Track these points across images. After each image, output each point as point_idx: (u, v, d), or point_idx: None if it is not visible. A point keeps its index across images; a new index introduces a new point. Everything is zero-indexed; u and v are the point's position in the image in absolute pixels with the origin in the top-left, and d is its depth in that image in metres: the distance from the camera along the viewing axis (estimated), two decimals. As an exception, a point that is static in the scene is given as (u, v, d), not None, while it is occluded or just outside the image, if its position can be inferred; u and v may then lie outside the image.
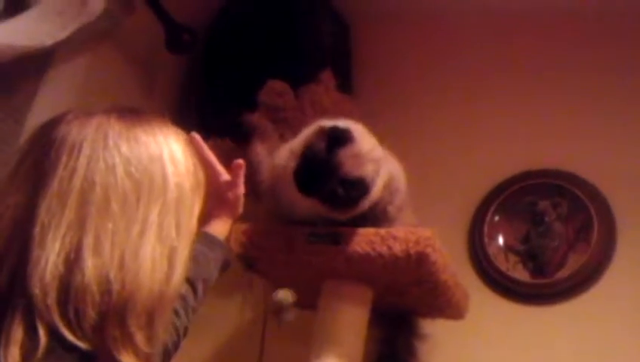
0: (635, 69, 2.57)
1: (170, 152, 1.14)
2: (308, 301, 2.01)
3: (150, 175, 1.10)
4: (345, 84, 2.57)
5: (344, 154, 1.78)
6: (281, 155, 1.94)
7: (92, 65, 2.35)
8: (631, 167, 2.48)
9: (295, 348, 2.18)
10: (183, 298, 1.50)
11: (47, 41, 2.04)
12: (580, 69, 2.65)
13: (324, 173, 1.78)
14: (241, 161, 1.64)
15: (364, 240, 1.91)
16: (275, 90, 2.36)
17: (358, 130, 1.86)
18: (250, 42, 2.60)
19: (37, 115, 2.26)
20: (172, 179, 1.12)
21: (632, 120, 2.53)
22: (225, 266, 1.67)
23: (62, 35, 2.06)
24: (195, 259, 1.56)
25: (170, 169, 1.13)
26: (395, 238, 1.90)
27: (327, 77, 2.48)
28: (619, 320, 2.33)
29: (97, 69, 2.37)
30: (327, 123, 1.85)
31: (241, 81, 2.51)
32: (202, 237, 1.62)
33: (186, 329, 1.51)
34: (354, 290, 2.05)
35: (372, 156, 1.84)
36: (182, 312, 1.49)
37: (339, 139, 1.79)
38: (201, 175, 1.22)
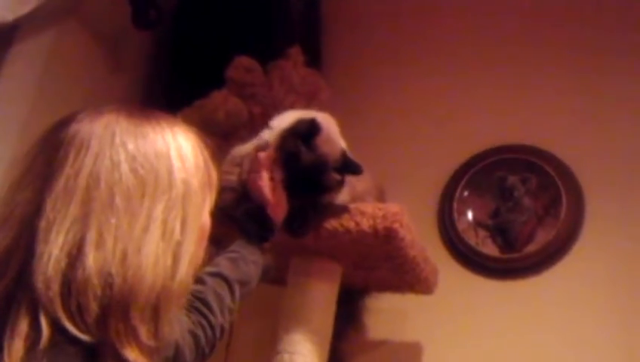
0: (607, 48, 2.58)
1: (177, 149, 1.14)
2: (276, 277, 2.00)
3: (156, 171, 1.10)
4: (314, 60, 2.55)
5: (323, 145, 1.77)
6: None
7: (57, 42, 2.33)
8: (600, 143, 2.49)
9: (264, 324, 2.18)
10: (219, 297, 1.54)
11: (8, 16, 2.01)
12: (552, 45, 2.66)
13: (315, 171, 1.77)
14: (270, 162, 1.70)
15: (332, 216, 1.90)
16: (243, 66, 2.34)
17: (313, 113, 1.86)
18: (218, 18, 2.57)
19: (1, 92, 2.24)
20: (178, 176, 1.12)
21: (602, 97, 2.55)
22: (266, 271, 1.69)
23: (23, 9, 2.03)
24: (234, 261, 1.60)
25: (177, 165, 1.12)
26: (362, 214, 1.90)
27: (295, 52, 2.46)
28: (586, 293, 2.35)
29: (62, 45, 2.35)
30: (287, 119, 1.83)
31: (208, 57, 2.48)
32: (244, 241, 1.66)
33: (222, 328, 1.53)
34: (323, 266, 2.05)
35: (336, 129, 1.84)
36: (216, 309, 1.51)
37: (310, 131, 1.77)
38: (213, 172, 1.21)
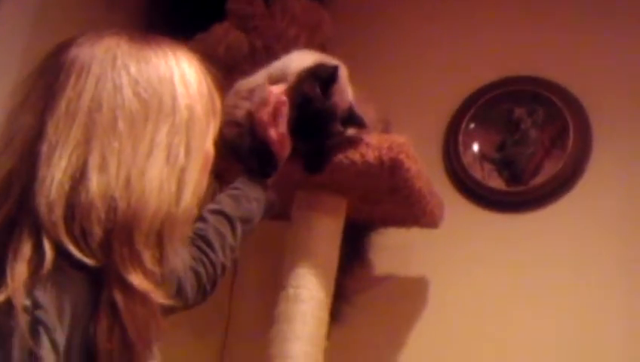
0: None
1: (181, 74, 1.13)
2: (280, 211, 1.98)
3: (159, 96, 1.09)
4: (316, -8, 2.50)
5: (336, 94, 1.74)
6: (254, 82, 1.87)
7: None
8: (608, 74, 2.45)
9: (268, 260, 2.18)
10: (220, 235, 1.54)
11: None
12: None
13: (324, 119, 1.74)
14: (284, 98, 1.66)
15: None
16: (245, -1, 2.29)
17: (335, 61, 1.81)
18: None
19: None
20: (182, 101, 1.11)
21: (609, 27, 2.49)
22: (269, 208, 1.68)
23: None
24: (236, 198, 1.59)
25: (180, 90, 1.11)
26: (368, 145, 1.88)
27: (297, -16, 2.42)
28: (593, 226, 2.34)
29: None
30: (307, 60, 1.78)
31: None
32: (246, 178, 1.65)
33: (223, 266, 1.53)
34: (327, 200, 2.04)
35: (347, 81, 1.81)
36: (217, 247, 1.52)
37: (330, 79, 1.72)
38: (217, 100, 1.20)
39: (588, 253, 2.31)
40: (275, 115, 1.68)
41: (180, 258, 1.44)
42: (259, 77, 1.83)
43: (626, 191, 2.33)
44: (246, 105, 1.79)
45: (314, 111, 1.70)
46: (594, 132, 2.42)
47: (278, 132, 1.67)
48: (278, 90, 1.70)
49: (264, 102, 1.69)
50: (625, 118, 2.39)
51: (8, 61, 2.13)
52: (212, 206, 1.57)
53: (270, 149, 1.67)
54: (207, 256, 1.50)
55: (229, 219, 1.56)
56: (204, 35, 2.26)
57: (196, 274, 1.47)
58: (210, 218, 1.55)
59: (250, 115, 1.74)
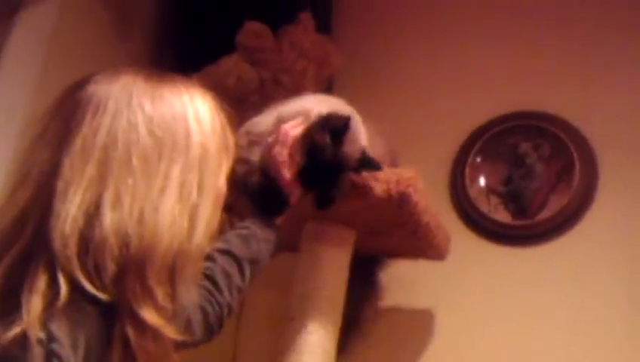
0: (618, 11, 2.54)
1: (195, 112, 1.15)
2: (289, 243, 1.99)
3: (173, 133, 1.11)
4: (324, 25, 2.53)
5: (348, 143, 1.70)
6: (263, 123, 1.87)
7: (65, 7, 2.30)
8: (613, 108, 2.46)
9: (276, 291, 2.17)
10: (228, 275, 1.52)
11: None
12: (561, 10, 2.62)
13: (334, 169, 1.71)
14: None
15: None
16: (254, 32, 2.32)
17: (348, 108, 1.80)
18: (228, -17, 2.54)
19: (9, 59, 2.22)
20: (195, 138, 1.13)
21: (614, 62, 2.51)
22: (277, 249, 1.67)
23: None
24: (245, 239, 1.58)
25: (194, 128, 1.13)
26: (376, 179, 1.88)
27: (306, 18, 2.44)
28: (599, 261, 2.33)
29: (70, 10, 2.32)
30: (321, 107, 1.77)
31: (219, 22, 2.46)
32: (256, 218, 1.64)
33: (230, 307, 1.52)
34: (336, 232, 2.04)
35: (360, 125, 1.79)
36: (225, 289, 1.51)
37: (341, 129, 1.69)
38: (230, 137, 1.22)
39: (593, 288, 2.30)
40: (289, 155, 1.66)
41: (190, 295, 1.45)
42: (270, 117, 1.82)
43: (632, 226, 2.33)
44: (257, 150, 1.78)
45: (324, 161, 1.67)
46: (600, 167, 2.43)
47: (291, 172, 1.65)
48: (293, 131, 1.69)
49: (279, 141, 1.67)
50: (630, 152, 2.40)
51: (21, 90, 2.15)
52: (220, 245, 1.56)
53: (281, 188, 1.65)
54: (213, 296, 1.49)
55: (237, 260, 1.55)
56: (213, 67, 2.28)
57: (204, 313, 1.47)
58: (219, 258, 1.54)
59: (263, 154, 1.73)
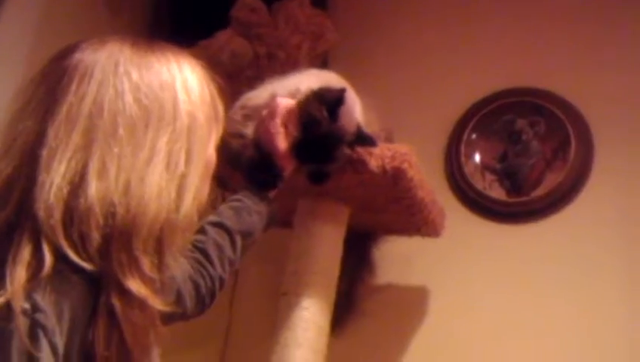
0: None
1: (183, 81, 1.13)
2: (283, 219, 1.98)
3: (160, 102, 1.09)
4: (319, 0, 2.50)
5: (343, 117, 1.70)
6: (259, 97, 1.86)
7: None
8: (609, 85, 2.45)
9: (270, 267, 2.17)
10: (219, 248, 1.52)
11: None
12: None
13: (331, 142, 1.70)
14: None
15: (340, 156, 1.87)
16: (248, 6, 2.30)
17: (343, 83, 1.79)
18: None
19: (1, 36, 2.20)
20: (183, 107, 1.12)
21: (611, 38, 2.50)
22: (270, 223, 1.67)
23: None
24: (237, 211, 1.58)
25: (182, 97, 1.12)
26: (370, 154, 1.87)
27: (301, -8, 2.42)
28: (595, 237, 2.33)
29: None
30: (315, 81, 1.76)
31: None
32: (249, 191, 1.64)
33: (221, 279, 1.52)
34: (330, 208, 2.03)
35: (355, 100, 1.79)
36: (216, 261, 1.51)
37: (336, 102, 1.69)
38: (220, 107, 1.21)
39: (589, 263, 2.30)
40: (282, 127, 1.66)
41: (180, 267, 1.45)
42: (265, 92, 1.81)
43: (627, 202, 2.33)
44: (251, 124, 1.77)
45: (320, 134, 1.67)
46: (595, 144, 2.42)
47: (285, 145, 1.65)
48: (284, 105, 1.68)
49: (272, 114, 1.67)
50: (626, 129, 2.39)
51: (12, 65, 2.13)
52: (212, 218, 1.56)
53: (274, 162, 1.65)
54: (205, 268, 1.49)
55: (229, 232, 1.55)
56: (207, 41, 2.26)
57: (195, 285, 1.46)
58: (210, 230, 1.54)
59: (256, 127, 1.73)
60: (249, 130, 1.75)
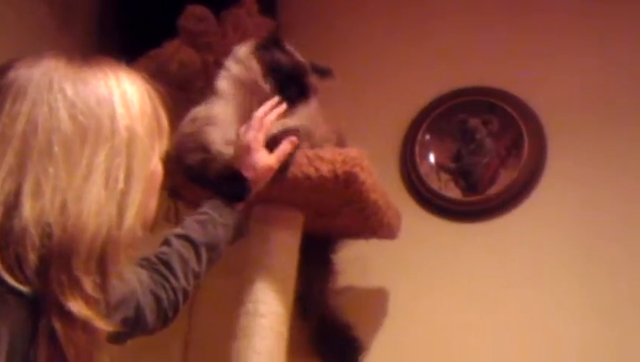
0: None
1: (121, 94, 1.10)
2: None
3: (97, 118, 1.06)
4: (268, 8, 2.50)
5: (294, 51, 1.85)
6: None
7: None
8: (561, 83, 2.48)
9: (228, 275, 2.15)
10: (184, 260, 1.51)
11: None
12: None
13: (297, 72, 1.82)
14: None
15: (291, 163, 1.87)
16: (195, 15, 2.29)
17: None
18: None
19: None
20: (122, 122, 1.08)
21: (562, 36, 2.53)
22: (237, 235, 1.67)
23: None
24: (202, 223, 1.57)
25: (120, 111, 1.08)
26: (322, 159, 1.88)
27: (249, 0, 2.41)
28: (549, 234, 2.35)
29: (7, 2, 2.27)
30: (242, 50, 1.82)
31: (161, 7, 2.41)
32: (215, 204, 1.64)
33: (185, 292, 1.50)
34: (284, 214, 2.03)
35: None
36: (180, 273, 1.49)
37: (277, 39, 1.83)
38: (163, 118, 1.17)
39: (546, 260, 2.32)
40: (261, 141, 1.70)
41: (139, 279, 1.43)
42: (217, 106, 1.83)
43: (581, 198, 2.35)
44: (211, 130, 1.78)
45: (286, 70, 1.76)
46: (548, 140, 2.45)
47: (263, 161, 1.69)
48: (268, 117, 1.73)
49: (253, 127, 1.70)
50: (579, 126, 2.42)
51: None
52: (178, 230, 1.56)
53: (242, 175, 1.68)
54: (168, 281, 1.48)
55: (194, 245, 1.54)
56: (155, 51, 2.25)
57: (156, 298, 1.45)
58: (175, 242, 1.53)
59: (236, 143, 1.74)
60: (212, 142, 1.76)
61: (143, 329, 1.42)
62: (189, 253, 1.53)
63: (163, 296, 1.46)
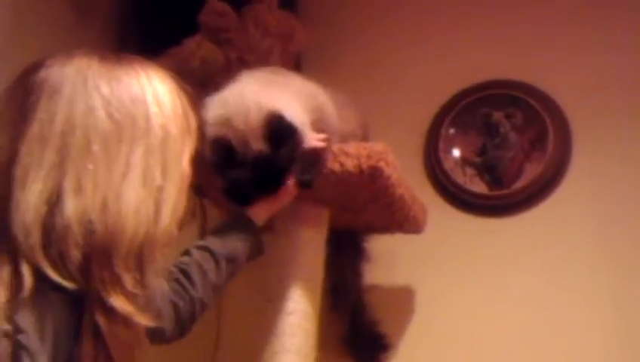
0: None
1: (154, 93, 1.13)
2: (264, 224, 1.96)
3: (132, 116, 1.09)
4: (288, 2, 2.48)
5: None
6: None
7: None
8: (585, 75, 2.46)
9: (257, 273, 2.14)
10: (203, 271, 1.52)
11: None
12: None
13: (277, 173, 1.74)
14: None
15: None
16: (216, 11, 2.26)
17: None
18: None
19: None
20: (156, 121, 1.11)
21: (587, 29, 2.50)
22: (256, 251, 1.69)
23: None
24: (222, 236, 1.60)
25: (154, 110, 1.11)
26: (346, 154, 1.86)
27: (269, -5, 2.39)
28: (576, 228, 2.34)
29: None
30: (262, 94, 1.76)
31: (179, 3, 2.40)
32: (237, 218, 1.67)
33: (202, 302, 1.51)
34: (309, 211, 2.01)
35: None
36: (198, 283, 1.50)
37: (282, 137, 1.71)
38: (192, 119, 1.20)
39: (573, 254, 2.30)
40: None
41: (159, 287, 1.43)
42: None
43: (607, 192, 2.34)
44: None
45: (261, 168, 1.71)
46: (573, 134, 2.43)
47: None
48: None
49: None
50: (603, 119, 2.40)
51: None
52: (199, 242, 1.58)
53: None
54: (186, 290, 1.48)
55: (213, 256, 1.55)
56: (176, 49, 2.23)
57: (174, 307, 1.46)
58: (195, 253, 1.54)
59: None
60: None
61: (161, 339, 1.43)
62: (208, 265, 1.54)
63: (180, 304, 1.47)
